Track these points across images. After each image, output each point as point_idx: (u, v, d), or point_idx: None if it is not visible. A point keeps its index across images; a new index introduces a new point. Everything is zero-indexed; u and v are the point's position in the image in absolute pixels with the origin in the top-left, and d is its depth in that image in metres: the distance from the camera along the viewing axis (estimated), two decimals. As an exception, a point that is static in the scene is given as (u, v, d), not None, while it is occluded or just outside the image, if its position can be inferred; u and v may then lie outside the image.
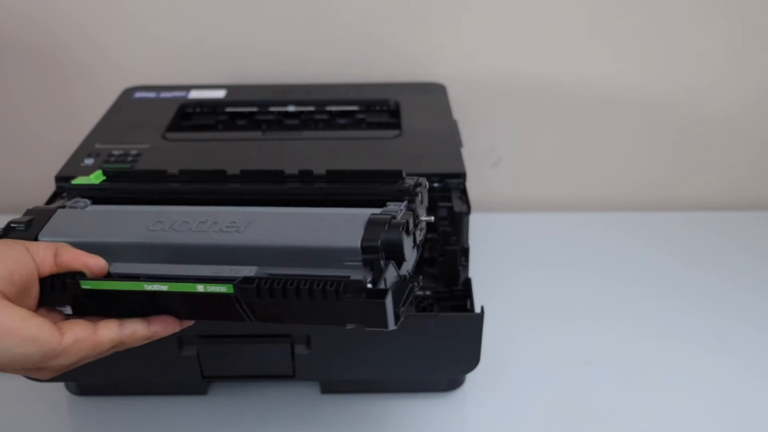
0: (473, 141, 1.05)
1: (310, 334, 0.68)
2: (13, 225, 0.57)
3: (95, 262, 0.52)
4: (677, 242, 1.03)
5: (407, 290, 0.52)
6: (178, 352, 0.69)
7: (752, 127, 1.11)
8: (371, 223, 0.53)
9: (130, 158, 0.78)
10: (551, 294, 0.92)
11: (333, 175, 0.62)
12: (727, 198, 1.15)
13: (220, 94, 0.98)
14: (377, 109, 0.95)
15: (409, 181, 0.60)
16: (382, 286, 0.49)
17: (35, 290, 0.51)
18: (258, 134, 0.93)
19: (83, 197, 0.64)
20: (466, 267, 0.73)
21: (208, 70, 1.08)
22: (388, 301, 0.48)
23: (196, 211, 0.58)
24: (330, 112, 0.95)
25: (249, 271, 0.51)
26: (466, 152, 0.81)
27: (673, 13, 1.04)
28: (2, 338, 0.45)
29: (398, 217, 0.54)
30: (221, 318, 0.53)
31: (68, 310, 0.53)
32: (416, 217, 0.57)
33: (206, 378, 0.72)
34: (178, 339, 0.68)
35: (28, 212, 0.59)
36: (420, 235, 0.59)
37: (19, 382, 0.70)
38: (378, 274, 0.50)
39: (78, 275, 0.52)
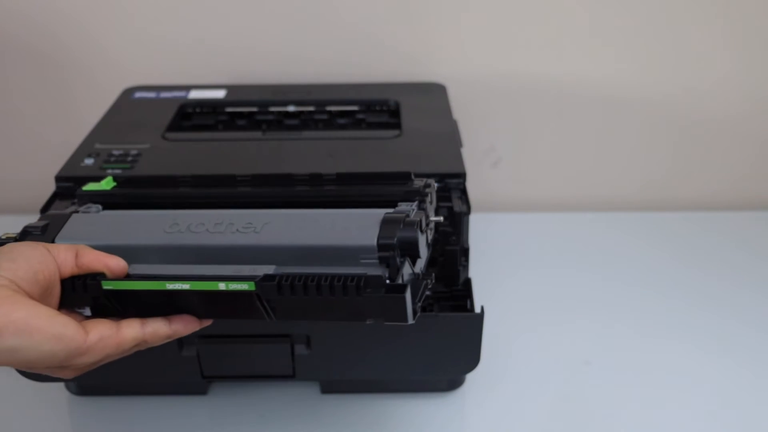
0: (473, 141, 1.05)
1: (310, 334, 0.68)
2: (29, 229, 0.57)
3: (116, 263, 0.53)
4: (677, 242, 1.03)
5: (422, 287, 0.54)
6: (178, 352, 0.69)
7: (752, 127, 1.11)
8: (386, 222, 0.54)
9: (130, 158, 0.78)
10: (551, 294, 0.92)
11: (342, 178, 0.63)
12: (727, 198, 1.15)
13: (220, 94, 0.98)
14: (377, 109, 0.95)
15: (418, 182, 0.61)
16: (399, 281, 0.50)
17: (57, 291, 0.52)
18: (258, 134, 0.93)
19: (94, 203, 0.64)
20: (466, 267, 0.74)
21: (208, 70, 1.08)
22: (408, 295, 0.49)
23: (211, 213, 0.59)
24: (330, 112, 0.95)
25: (268, 269, 0.52)
26: (466, 152, 0.81)
27: (673, 13, 1.04)
28: (30, 336, 0.45)
29: (411, 216, 0.55)
30: (241, 316, 0.54)
31: (87, 311, 0.54)
32: (427, 216, 0.58)
33: (206, 378, 0.72)
34: (178, 339, 0.68)
35: (43, 217, 0.60)
36: (430, 235, 0.60)
37: (20, 382, 0.70)
38: (394, 271, 0.51)
39: (99, 276, 0.52)
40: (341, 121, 0.95)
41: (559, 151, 1.13)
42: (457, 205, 0.72)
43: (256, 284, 0.50)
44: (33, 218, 0.68)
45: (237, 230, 0.56)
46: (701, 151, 1.12)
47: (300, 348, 0.69)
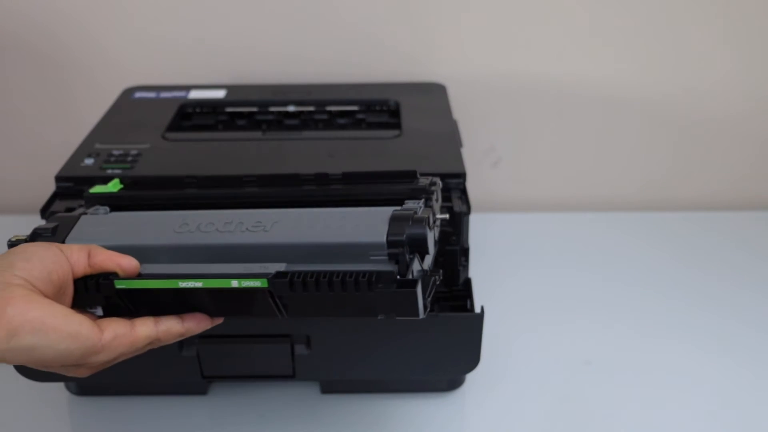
0: (473, 141, 1.05)
1: (310, 334, 0.68)
2: (39, 231, 0.57)
3: (128, 262, 0.53)
4: (677, 242, 1.03)
5: (431, 282, 0.55)
6: (178, 352, 0.69)
7: (752, 127, 1.11)
8: (395, 219, 0.54)
9: (130, 158, 0.78)
10: (551, 294, 0.92)
11: (348, 177, 0.63)
12: (727, 198, 1.15)
13: (220, 94, 0.98)
14: (377, 109, 0.95)
15: (424, 180, 0.62)
16: (410, 277, 0.51)
17: (70, 291, 0.52)
18: (258, 134, 0.93)
19: (101, 205, 0.64)
20: (466, 267, 0.74)
21: (208, 70, 1.08)
22: (419, 290, 0.50)
23: (221, 213, 0.59)
24: (330, 112, 0.95)
25: (280, 266, 0.52)
26: (466, 152, 0.81)
27: (673, 13, 1.04)
28: (46, 335, 0.45)
29: (419, 214, 0.55)
30: (253, 314, 0.54)
31: (99, 311, 0.54)
32: (434, 213, 0.58)
33: (206, 378, 0.72)
34: (178, 339, 0.68)
35: (52, 219, 0.60)
36: (437, 232, 0.60)
37: (20, 382, 0.70)
38: (404, 267, 0.52)
39: (111, 275, 0.53)
40: (341, 121, 0.95)
41: (559, 151, 1.13)
42: (457, 205, 0.72)
43: (269, 281, 0.51)
44: (33, 218, 0.68)
45: (247, 229, 0.56)
46: (701, 151, 1.12)
47: (300, 348, 0.69)
